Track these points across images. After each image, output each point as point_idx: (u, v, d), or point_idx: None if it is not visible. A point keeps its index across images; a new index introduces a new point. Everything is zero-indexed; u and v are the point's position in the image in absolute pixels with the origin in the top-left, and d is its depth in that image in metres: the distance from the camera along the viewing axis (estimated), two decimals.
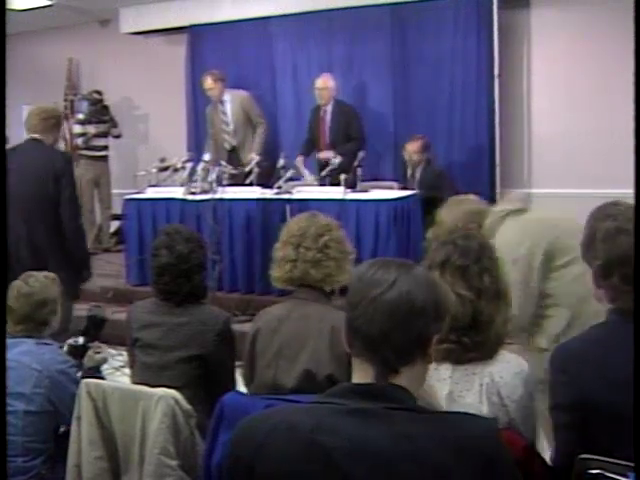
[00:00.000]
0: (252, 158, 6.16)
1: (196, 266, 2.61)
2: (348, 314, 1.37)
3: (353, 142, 6.08)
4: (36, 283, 2.69)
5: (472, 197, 3.19)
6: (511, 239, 2.73)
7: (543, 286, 2.73)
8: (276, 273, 2.41)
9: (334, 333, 2.16)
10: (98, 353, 2.75)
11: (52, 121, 4.06)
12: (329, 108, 6.27)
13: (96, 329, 2.78)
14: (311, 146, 6.43)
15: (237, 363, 2.61)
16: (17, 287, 2.65)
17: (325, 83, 6.24)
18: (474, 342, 1.80)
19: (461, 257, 1.84)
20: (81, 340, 2.73)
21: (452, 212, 3.05)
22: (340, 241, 2.40)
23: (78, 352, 2.72)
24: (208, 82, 6.58)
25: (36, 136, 3.98)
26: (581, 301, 2.60)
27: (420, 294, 1.33)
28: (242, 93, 6.69)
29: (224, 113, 6.67)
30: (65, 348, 2.78)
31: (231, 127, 6.65)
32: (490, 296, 1.84)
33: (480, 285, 1.83)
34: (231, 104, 6.62)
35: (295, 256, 2.33)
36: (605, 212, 1.85)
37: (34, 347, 2.57)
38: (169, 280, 2.56)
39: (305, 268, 2.32)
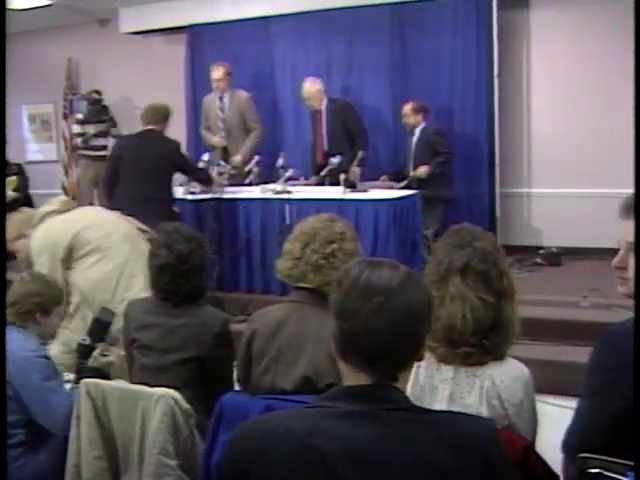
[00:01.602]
0: (238, 160, 6.12)
1: (196, 266, 2.57)
2: (343, 324, 1.29)
3: (357, 140, 6.03)
4: (40, 278, 2.87)
5: (25, 209, 3.91)
6: (41, 236, 3.48)
7: (68, 275, 3.45)
8: (280, 265, 2.38)
9: None
10: (105, 355, 2.73)
11: (159, 115, 5.19)
12: (323, 108, 6.22)
13: (102, 332, 2.76)
14: None
15: (235, 363, 2.59)
16: (22, 276, 2.82)
17: (311, 87, 6.16)
18: (493, 344, 1.81)
19: (481, 262, 1.84)
20: (88, 340, 2.71)
21: (11, 222, 3.55)
22: (349, 253, 2.29)
23: (85, 351, 2.70)
24: (219, 72, 6.32)
25: (149, 127, 5.15)
26: (95, 285, 3.41)
27: (417, 296, 1.29)
28: (243, 94, 6.46)
29: (221, 110, 6.48)
30: (76, 346, 2.76)
31: (224, 127, 6.47)
32: (508, 298, 1.86)
33: (500, 287, 1.84)
34: (229, 104, 6.44)
35: (300, 255, 2.30)
36: None
37: (14, 334, 2.55)
38: (168, 280, 2.54)
39: (305, 270, 2.29)
